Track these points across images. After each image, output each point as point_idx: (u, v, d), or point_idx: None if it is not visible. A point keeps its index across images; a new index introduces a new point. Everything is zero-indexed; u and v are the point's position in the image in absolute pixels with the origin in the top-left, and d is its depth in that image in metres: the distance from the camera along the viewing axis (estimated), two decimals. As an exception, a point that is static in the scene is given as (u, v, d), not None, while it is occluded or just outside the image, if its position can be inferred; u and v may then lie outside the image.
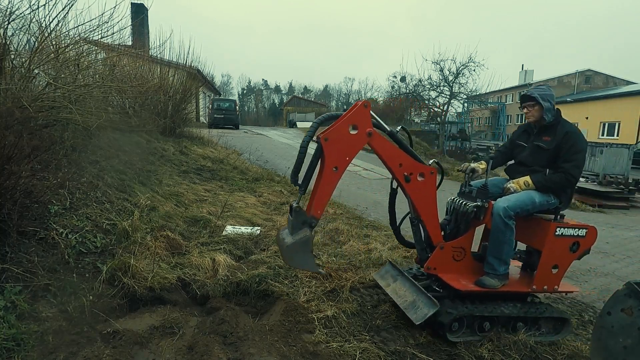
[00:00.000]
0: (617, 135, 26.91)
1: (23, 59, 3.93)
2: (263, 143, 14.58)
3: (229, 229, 4.62)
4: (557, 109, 3.05)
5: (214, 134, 11.55)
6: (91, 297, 2.74)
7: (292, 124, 37.17)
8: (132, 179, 4.74)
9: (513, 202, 2.89)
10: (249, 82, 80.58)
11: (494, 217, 2.90)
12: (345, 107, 59.13)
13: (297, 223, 2.65)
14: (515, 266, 3.38)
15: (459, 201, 3.07)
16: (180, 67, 9.24)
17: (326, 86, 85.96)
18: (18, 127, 2.99)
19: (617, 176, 11.24)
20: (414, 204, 2.93)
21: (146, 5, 8.11)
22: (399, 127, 2.95)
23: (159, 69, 8.52)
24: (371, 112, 2.68)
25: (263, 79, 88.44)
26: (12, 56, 3.78)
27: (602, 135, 28.57)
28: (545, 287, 3.00)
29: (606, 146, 12.84)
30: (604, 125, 28.87)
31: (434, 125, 24.84)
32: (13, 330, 2.22)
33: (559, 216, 3.00)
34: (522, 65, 68.54)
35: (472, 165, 3.18)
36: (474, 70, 20.07)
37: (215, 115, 20.73)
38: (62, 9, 3.99)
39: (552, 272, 2.98)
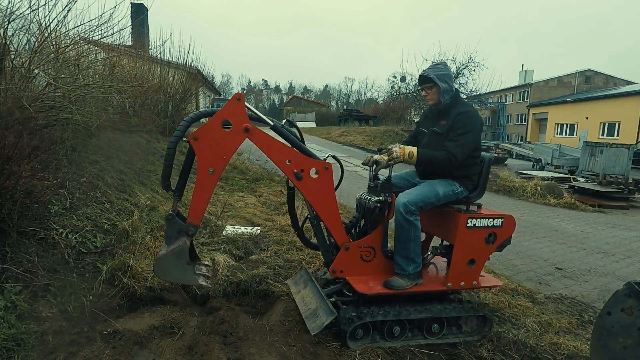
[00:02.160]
0: (617, 135, 26.88)
1: (23, 59, 3.92)
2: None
3: (229, 229, 4.62)
4: (455, 89, 2.86)
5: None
6: (91, 297, 2.74)
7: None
8: (132, 179, 4.74)
9: (414, 196, 2.68)
10: (249, 82, 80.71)
11: (395, 214, 2.70)
12: (345, 106, 59.01)
13: (172, 232, 2.45)
14: (442, 262, 3.15)
15: (365, 197, 2.86)
16: (180, 67, 9.24)
17: (326, 86, 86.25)
18: (18, 127, 2.98)
19: (617, 176, 11.25)
20: (310, 202, 2.71)
21: (146, 5, 8.12)
22: (283, 121, 2.74)
23: (159, 69, 8.51)
24: (248, 104, 2.48)
25: (263, 79, 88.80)
26: (12, 56, 3.77)
27: (602, 135, 28.53)
28: (462, 283, 2.78)
29: (606, 146, 12.86)
30: (604, 125, 28.84)
31: (434, 125, 24.77)
32: (13, 330, 2.22)
33: (475, 206, 2.83)
34: (522, 65, 68.56)
35: (375, 157, 2.82)
36: (474, 70, 20.22)
37: (215, 115, 20.73)
38: (62, 9, 3.99)
39: (468, 267, 2.77)
